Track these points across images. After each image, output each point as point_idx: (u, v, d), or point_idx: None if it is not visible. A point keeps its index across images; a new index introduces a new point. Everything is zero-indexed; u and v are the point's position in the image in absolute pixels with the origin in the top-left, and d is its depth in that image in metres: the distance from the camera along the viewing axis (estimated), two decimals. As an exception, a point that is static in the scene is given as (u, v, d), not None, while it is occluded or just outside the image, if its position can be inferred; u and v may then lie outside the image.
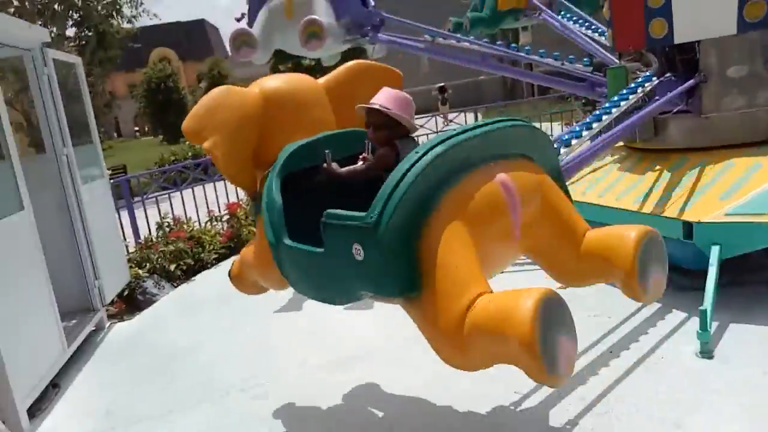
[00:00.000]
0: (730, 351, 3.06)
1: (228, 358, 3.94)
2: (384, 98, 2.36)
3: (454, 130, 2.11)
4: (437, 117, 12.55)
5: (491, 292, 1.83)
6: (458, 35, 5.78)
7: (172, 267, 5.72)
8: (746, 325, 3.27)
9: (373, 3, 5.56)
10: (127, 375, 3.92)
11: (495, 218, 2.00)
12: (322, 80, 2.93)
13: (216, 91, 2.66)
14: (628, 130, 3.93)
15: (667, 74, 4.29)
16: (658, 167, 4.03)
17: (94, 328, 4.58)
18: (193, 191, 7.42)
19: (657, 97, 4.10)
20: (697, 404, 2.65)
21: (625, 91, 4.13)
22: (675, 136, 4.20)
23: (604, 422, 2.63)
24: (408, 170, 1.92)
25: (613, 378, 2.97)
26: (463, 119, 10.60)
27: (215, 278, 5.85)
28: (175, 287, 5.66)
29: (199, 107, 2.62)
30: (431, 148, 1.97)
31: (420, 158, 1.94)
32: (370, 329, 4.03)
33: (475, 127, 2.10)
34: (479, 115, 11.31)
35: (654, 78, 4.25)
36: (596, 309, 3.78)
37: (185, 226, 6.43)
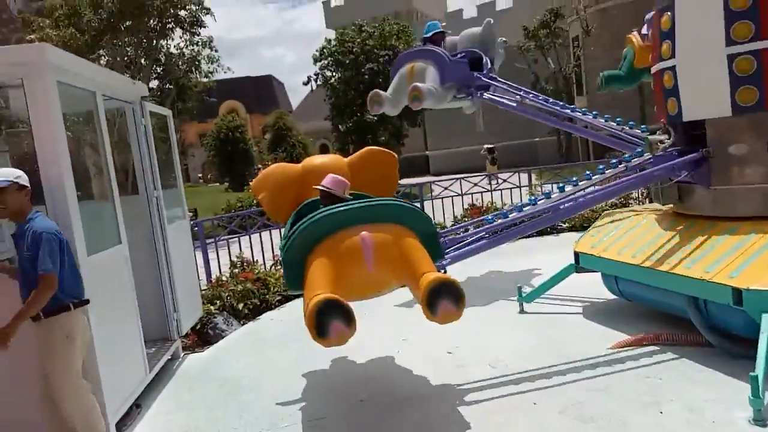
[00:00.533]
0: (782, 420, 3.10)
1: (292, 392, 4.22)
2: (326, 181, 3.84)
3: (343, 204, 3.51)
4: (490, 177, 12.90)
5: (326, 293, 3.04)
6: (542, 96, 6.38)
7: (240, 306, 6.12)
8: (800, 396, 3.29)
9: (489, 66, 6.46)
10: (201, 401, 4.25)
11: (350, 257, 3.28)
12: (346, 159, 4.49)
13: (273, 165, 4.56)
14: (608, 196, 4.77)
15: (669, 149, 4.62)
16: (707, 234, 4.16)
17: (170, 357, 4.96)
18: (260, 236, 7.92)
19: (652, 168, 4.52)
20: (748, 467, 2.73)
21: (601, 167, 4.69)
22: (720, 205, 4.38)
23: (653, 476, 2.74)
24: (300, 226, 3.42)
25: (662, 436, 3.07)
26: (517, 179, 10.84)
27: (279, 319, 6.21)
28: (242, 325, 6.05)
29: (261, 174, 4.48)
30: (315, 215, 3.43)
31: (307, 221, 3.41)
32: (426, 373, 4.24)
33: (358, 204, 3.48)
34: (533, 176, 11.52)
35: (630, 159, 4.68)
36: (648, 371, 3.87)
37: (252, 268, 6.86)
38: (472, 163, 24.27)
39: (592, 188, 4.61)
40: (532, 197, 4.61)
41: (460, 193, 10.35)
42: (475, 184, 10.61)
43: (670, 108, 4.56)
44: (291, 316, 6.22)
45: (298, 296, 6.37)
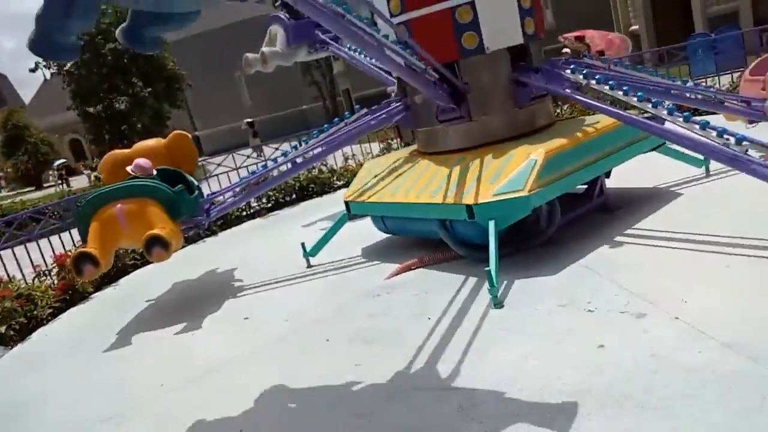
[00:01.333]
0: (515, 300, 3.90)
1: (86, 396, 4.00)
2: (132, 165, 5.29)
3: (109, 187, 5.08)
4: (258, 149, 13.10)
5: (94, 248, 4.66)
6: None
7: (3, 328, 5.41)
8: (527, 280, 4.17)
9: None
10: (-26, 437, 3.79)
11: (109, 222, 4.82)
12: (163, 141, 5.98)
13: (113, 152, 6.01)
14: (335, 148, 5.49)
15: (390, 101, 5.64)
16: (444, 166, 4.91)
17: None
18: (13, 251, 7.00)
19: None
20: (491, 340, 3.46)
21: (326, 125, 5.58)
22: (428, 141, 5.37)
23: (425, 364, 3.33)
24: (86, 199, 5.10)
25: (428, 335, 3.69)
26: (287, 146, 11.17)
27: (54, 332, 5.67)
28: (11, 348, 5.38)
29: (103, 159, 6.00)
30: (93, 193, 5.20)
31: (90, 196, 5.09)
32: (225, 340, 4.36)
33: (116, 187, 5.01)
34: (300, 144, 11.97)
35: (350, 116, 5.64)
36: (416, 289, 4.52)
37: (10, 285, 6.08)
38: (245, 138, 23.97)
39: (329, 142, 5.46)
40: (272, 159, 5.70)
41: (235, 167, 10.37)
42: (248, 157, 10.72)
43: None
44: (69, 326, 5.75)
45: (72, 305, 6.24)
